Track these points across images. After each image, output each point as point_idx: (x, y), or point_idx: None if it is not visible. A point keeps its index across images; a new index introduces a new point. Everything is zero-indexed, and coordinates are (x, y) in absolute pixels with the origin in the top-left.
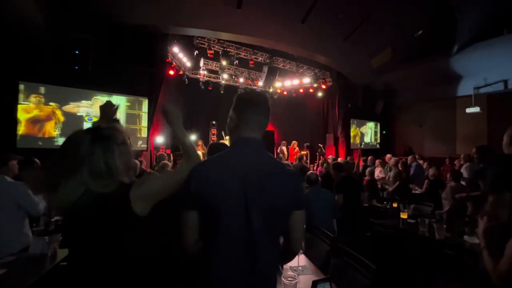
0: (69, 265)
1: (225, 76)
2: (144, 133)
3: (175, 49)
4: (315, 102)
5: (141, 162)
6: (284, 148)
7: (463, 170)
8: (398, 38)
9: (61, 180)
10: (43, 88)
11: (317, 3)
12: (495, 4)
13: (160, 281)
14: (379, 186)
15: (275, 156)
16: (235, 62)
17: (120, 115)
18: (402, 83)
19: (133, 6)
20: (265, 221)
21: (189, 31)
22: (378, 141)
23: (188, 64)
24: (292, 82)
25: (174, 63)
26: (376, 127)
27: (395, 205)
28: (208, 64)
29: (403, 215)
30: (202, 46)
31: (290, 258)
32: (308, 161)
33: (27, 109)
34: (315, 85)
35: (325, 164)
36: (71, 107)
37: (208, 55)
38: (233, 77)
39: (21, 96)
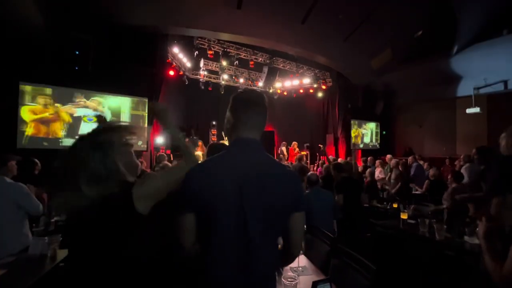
0: (69, 266)
1: (225, 76)
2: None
3: (175, 50)
4: (315, 102)
5: (141, 162)
6: (284, 148)
7: (463, 170)
8: (398, 38)
9: (63, 186)
10: (49, 89)
11: (317, 3)
12: (495, 4)
13: (160, 281)
14: (379, 186)
15: (276, 156)
16: (235, 63)
17: (125, 116)
18: (402, 84)
19: (133, 6)
20: (263, 222)
21: (189, 31)
22: (378, 141)
23: (188, 64)
24: (292, 83)
25: (174, 63)
26: (376, 128)
27: (395, 205)
28: (208, 65)
29: (403, 216)
30: (202, 46)
31: (290, 261)
32: (308, 161)
33: (34, 110)
34: (315, 86)
35: (324, 165)
36: (70, 108)
37: (208, 55)
38: (233, 77)
39: (27, 97)
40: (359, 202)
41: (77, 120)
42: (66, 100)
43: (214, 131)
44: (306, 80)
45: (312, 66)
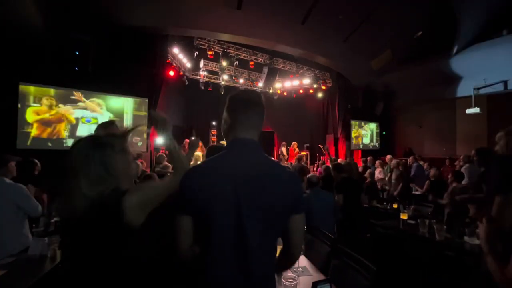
0: (67, 267)
1: (225, 77)
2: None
3: (175, 50)
4: (315, 103)
5: (141, 163)
6: (284, 149)
7: (462, 171)
8: (398, 39)
9: (62, 187)
10: (52, 90)
11: (317, 4)
12: (494, 4)
13: (160, 281)
14: (379, 187)
15: (276, 157)
16: (235, 63)
17: (128, 117)
18: (402, 84)
19: (133, 6)
20: (262, 223)
21: (189, 31)
22: (378, 142)
23: (188, 65)
24: (292, 83)
25: (174, 64)
26: (376, 128)
27: (395, 206)
28: (208, 65)
29: (403, 216)
30: (202, 47)
31: (291, 263)
32: (308, 161)
33: (38, 111)
34: (315, 86)
35: (323, 165)
36: (69, 109)
37: (208, 56)
38: (233, 78)
39: (31, 98)
40: (359, 202)
41: (77, 121)
42: (65, 100)
43: (214, 132)
44: (306, 81)
45: (312, 67)
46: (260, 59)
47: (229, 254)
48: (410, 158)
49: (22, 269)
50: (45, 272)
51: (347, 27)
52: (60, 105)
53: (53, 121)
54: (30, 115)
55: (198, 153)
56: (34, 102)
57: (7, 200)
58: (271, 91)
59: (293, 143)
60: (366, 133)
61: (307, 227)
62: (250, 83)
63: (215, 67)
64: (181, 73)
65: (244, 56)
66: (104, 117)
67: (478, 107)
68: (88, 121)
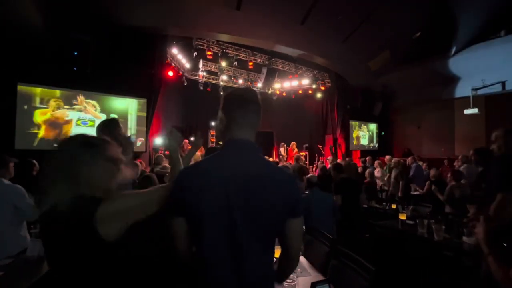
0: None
1: (224, 77)
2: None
3: (174, 51)
4: (314, 103)
5: (140, 163)
6: (283, 149)
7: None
8: (396, 39)
9: (47, 187)
10: (58, 91)
11: (316, 4)
12: (492, 5)
13: (163, 280)
14: (378, 187)
15: (275, 157)
16: (234, 64)
17: (132, 118)
18: (400, 85)
19: (132, 6)
20: (253, 226)
21: (189, 32)
22: (377, 142)
23: (187, 65)
24: (291, 84)
25: (173, 64)
26: (375, 128)
27: (394, 206)
28: (207, 66)
29: (402, 216)
30: (201, 47)
31: (291, 268)
32: (307, 162)
33: (46, 112)
34: (314, 87)
35: (321, 165)
36: (64, 111)
37: (207, 56)
38: (232, 78)
39: (37, 99)
40: (358, 203)
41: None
42: (68, 103)
43: (213, 132)
44: (305, 81)
45: (311, 67)
46: (259, 60)
47: (223, 255)
48: (409, 158)
49: (20, 270)
50: (43, 273)
51: (346, 28)
52: (66, 106)
53: (61, 123)
54: (39, 117)
55: (197, 153)
56: (41, 104)
57: (5, 201)
58: (270, 92)
59: (292, 143)
60: (364, 134)
61: (306, 227)
62: (249, 83)
63: (214, 67)
64: (180, 73)
65: (243, 57)
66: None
67: (476, 107)
68: (85, 124)
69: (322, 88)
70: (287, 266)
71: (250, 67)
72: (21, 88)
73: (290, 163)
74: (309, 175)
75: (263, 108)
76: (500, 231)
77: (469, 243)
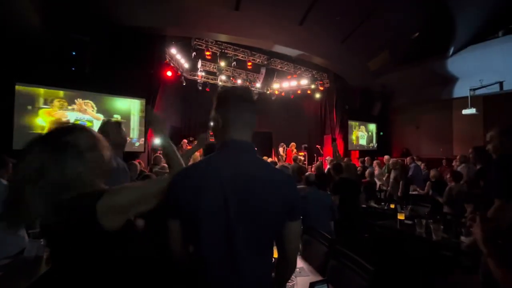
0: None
1: (223, 77)
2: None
3: (173, 51)
4: (313, 103)
5: (139, 163)
6: (281, 149)
7: (459, 170)
8: (395, 40)
9: (22, 192)
10: (62, 92)
11: (315, 5)
12: (490, 5)
13: (160, 281)
14: (377, 187)
15: (274, 158)
16: (233, 64)
17: (135, 118)
18: (399, 85)
19: (131, 7)
20: (250, 227)
21: (188, 32)
22: (376, 142)
23: (186, 65)
24: (289, 84)
25: (171, 64)
26: (374, 129)
27: (392, 206)
28: (205, 66)
29: (400, 216)
30: (200, 47)
31: (290, 270)
32: (306, 162)
33: (51, 112)
34: (312, 87)
35: (317, 163)
36: (63, 113)
37: (206, 56)
38: (231, 78)
39: (41, 100)
40: (357, 203)
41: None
42: (69, 101)
43: (211, 133)
44: (304, 81)
45: (309, 67)
46: (258, 60)
47: (222, 255)
48: (408, 158)
49: (18, 271)
50: (41, 274)
51: (345, 28)
52: (70, 106)
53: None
54: (43, 117)
55: (196, 153)
56: (45, 104)
57: (3, 201)
58: (268, 92)
59: (292, 144)
60: (363, 134)
61: (304, 227)
62: (248, 83)
63: (213, 67)
64: (179, 73)
65: (242, 57)
66: (100, 119)
67: (474, 107)
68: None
69: (321, 88)
70: (285, 270)
71: (249, 67)
72: (19, 88)
73: (289, 164)
74: (307, 173)
75: (262, 108)
76: (498, 231)
77: (468, 243)
